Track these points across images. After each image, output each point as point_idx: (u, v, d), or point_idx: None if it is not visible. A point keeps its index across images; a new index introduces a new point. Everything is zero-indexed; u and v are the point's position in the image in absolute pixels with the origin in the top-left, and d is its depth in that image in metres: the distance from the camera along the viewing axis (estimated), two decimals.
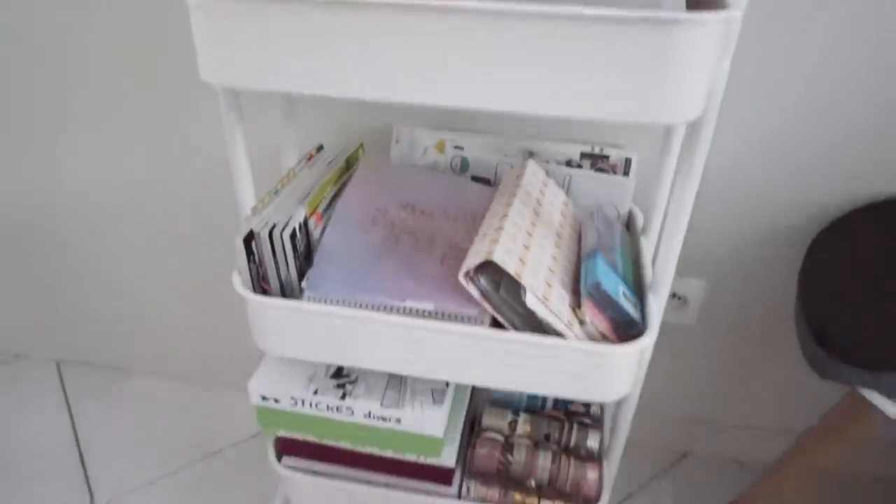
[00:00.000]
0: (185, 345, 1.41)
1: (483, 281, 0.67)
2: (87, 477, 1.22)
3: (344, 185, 0.85)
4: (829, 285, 0.76)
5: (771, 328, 1.07)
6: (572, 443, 0.90)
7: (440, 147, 0.91)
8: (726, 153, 0.93)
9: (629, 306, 0.69)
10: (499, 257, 0.65)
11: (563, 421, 0.93)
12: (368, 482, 0.87)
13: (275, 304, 0.71)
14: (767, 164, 0.93)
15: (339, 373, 0.82)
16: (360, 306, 0.71)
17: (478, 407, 0.96)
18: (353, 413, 0.79)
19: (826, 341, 0.69)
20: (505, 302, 0.68)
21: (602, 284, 0.67)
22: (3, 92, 1.12)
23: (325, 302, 0.72)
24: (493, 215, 0.74)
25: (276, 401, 0.81)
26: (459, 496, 0.88)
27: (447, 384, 0.81)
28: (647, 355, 0.72)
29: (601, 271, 0.69)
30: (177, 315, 1.37)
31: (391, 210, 0.81)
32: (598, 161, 0.87)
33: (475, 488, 0.88)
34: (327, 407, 0.79)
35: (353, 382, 0.81)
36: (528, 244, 0.71)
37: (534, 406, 0.96)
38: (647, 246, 0.81)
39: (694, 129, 0.59)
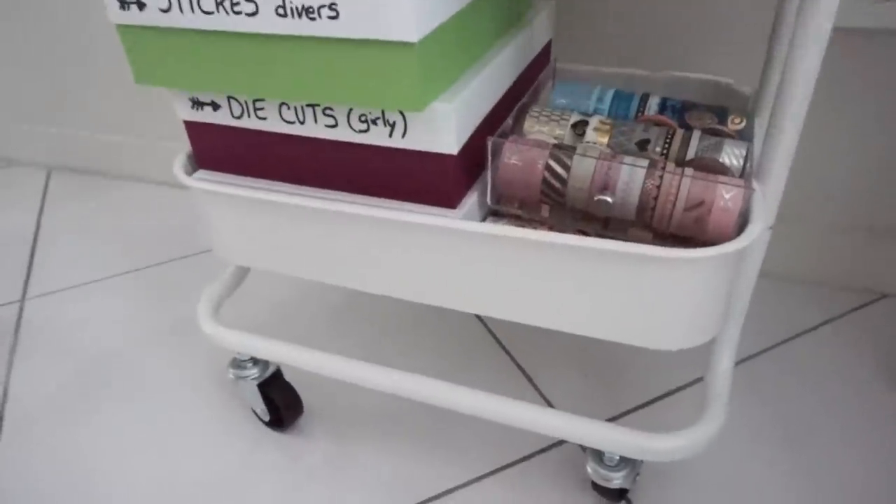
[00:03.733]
0: (176, 147, 1.11)
1: None
2: (29, 271, 0.94)
3: None
4: None
5: None
6: (690, 154, 0.48)
7: None
8: None
9: None
10: None
11: (674, 129, 0.50)
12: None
13: None
14: None
15: None
16: None
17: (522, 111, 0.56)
18: (256, 8, 0.41)
19: None
20: None
21: None
22: None
23: None
24: None
25: (141, 6, 0.45)
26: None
27: None
28: None
29: None
30: (168, 115, 1.07)
31: None
32: None
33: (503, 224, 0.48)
34: (216, 3, 0.42)
35: None
36: None
37: (623, 112, 0.55)
38: None
39: None
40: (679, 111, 0.54)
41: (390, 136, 0.45)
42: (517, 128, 0.52)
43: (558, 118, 0.52)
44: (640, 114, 0.54)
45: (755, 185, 0.45)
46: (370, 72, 0.41)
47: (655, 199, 0.44)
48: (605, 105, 0.56)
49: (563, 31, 0.80)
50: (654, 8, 0.74)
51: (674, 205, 0.43)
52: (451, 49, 0.44)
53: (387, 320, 0.80)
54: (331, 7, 0.39)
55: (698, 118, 0.53)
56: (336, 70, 0.42)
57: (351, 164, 0.49)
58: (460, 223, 0.44)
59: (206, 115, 0.52)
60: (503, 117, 0.54)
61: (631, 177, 0.45)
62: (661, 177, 0.44)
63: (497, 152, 0.47)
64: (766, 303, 0.79)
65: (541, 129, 0.52)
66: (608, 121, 0.51)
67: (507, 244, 0.44)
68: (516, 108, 0.53)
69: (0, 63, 1.15)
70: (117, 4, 0.46)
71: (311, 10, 0.40)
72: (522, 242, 0.43)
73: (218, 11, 0.43)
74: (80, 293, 0.88)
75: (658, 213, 0.44)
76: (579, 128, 0.51)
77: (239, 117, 0.50)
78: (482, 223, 0.45)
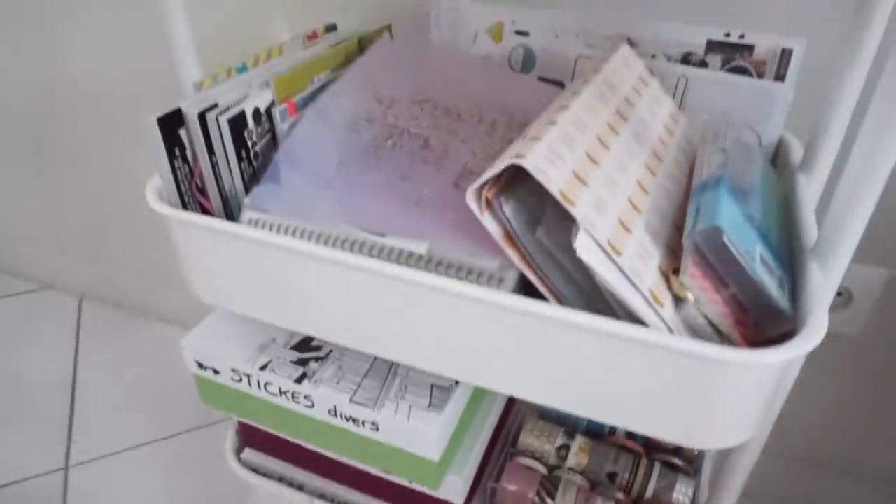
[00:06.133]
0: None
1: (508, 210, 0.39)
2: (70, 433, 1.04)
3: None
4: None
5: None
6: (649, 492, 0.60)
7: (496, 32, 0.62)
8: None
9: (770, 280, 0.38)
10: (534, 162, 0.36)
11: (640, 456, 0.62)
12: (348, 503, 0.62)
13: (179, 219, 0.46)
14: None
15: (305, 344, 0.56)
16: (315, 237, 0.44)
17: (517, 417, 0.68)
18: (312, 405, 0.52)
19: None
20: (543, 250, 0.39)
21: (725, 233, 0.37)
22: None
23: (268, 226, 0.46)
24: (548, 110, 0.45)
25: (216, 372, 0.56)
26: None
27: (455, 380, 0.53)
28: (794, 373, 0.41)
29: (725, 211, 0.38)
30: None
31: (399, 104, 0.53)
32: (735, 54, 0.55)
33: None
34: (279, 391, 0.53)
35: (323, 359, 0.54)
36: (597, 156, 0.41)
37: (598, 429, 0.66)
38: (807, 190, 0.49)
39: None
40: None
41: (409, 483, 0.57)
42: (517, 442, 0.64)
43: (547, 436, 0.64)
44: (615, 431, 0.66)
45: None
46: (398, 460, 0.52)
47: None
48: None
49: None
50: None
51: None
52: (459, 433, 0.55)
53: None
54: (373, 424, 0.50)
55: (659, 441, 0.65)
56: (370, 451, 0.53)
57: (383, 487, 0.60)
58: None
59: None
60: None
61: None
62: None
63: (493, 495, 0.59)
64: None
65: (534, 445, 0.63)
66: (588, 446, 0.63)
67: None
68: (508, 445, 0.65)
69: (39, 194, 1.24)
70: (196, 365, 0.57)
71: (357, 420, 0.51)
72: None
73: (281, 396, 0.54)
74: (121, 461, 0.98)
75: None
76: (563, 451, 0.63)
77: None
78: None
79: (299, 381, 0.52)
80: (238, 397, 0.57)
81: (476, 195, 0.38)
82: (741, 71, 0.55)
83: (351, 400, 0.50)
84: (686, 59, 0.57)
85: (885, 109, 0.33)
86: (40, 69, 1.04)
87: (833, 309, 0.73)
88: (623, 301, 0.37)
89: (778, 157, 0.55)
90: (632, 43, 0.58)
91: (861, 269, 0.69)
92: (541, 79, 0.61)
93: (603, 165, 0.41)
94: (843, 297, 0.72)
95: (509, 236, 0.39)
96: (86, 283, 1.32)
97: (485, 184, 0.38)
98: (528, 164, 0.35)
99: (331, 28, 0.66)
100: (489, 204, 0.38)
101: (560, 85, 0.61)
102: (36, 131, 1.14)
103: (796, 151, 0.53)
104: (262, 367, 0.53)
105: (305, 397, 0.52)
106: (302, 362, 0.54)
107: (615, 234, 0.37)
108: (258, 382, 0.54)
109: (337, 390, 0.51)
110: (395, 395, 0.51)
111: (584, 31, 0.59)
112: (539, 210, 0.39)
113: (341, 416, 0.51)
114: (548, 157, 0.37)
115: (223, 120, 0.47)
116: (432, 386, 0.51)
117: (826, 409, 0.82)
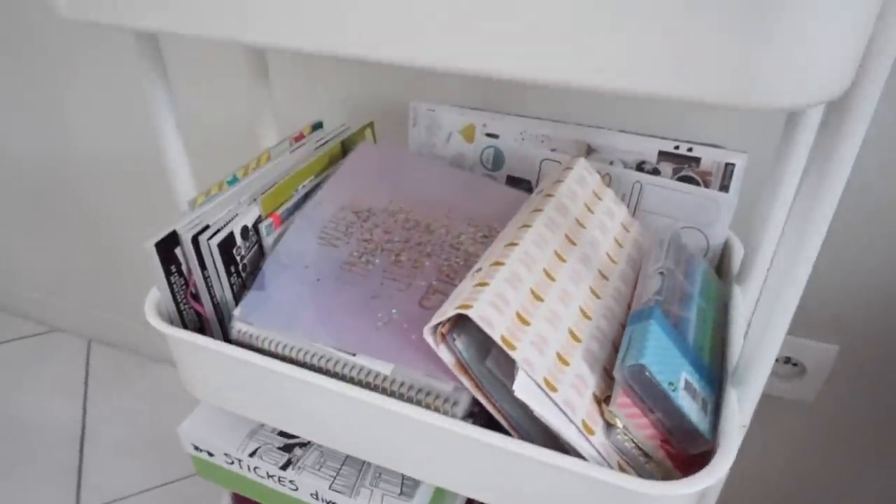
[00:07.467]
0: None
1: (460, 344, 0.44)
2: (79, 478, 1.10)
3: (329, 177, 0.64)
4: None
5: None
6: None
7: (468, 133, 0.68)
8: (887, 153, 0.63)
9: (692, 406, 0.43)
10: (479, 312, 0.41)
11: None
12: None
13: (175, 337, 0.51)
14: None
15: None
16: (291, 354, 0.50)
17: None
18: (296, 489, 0.58)
19: None
20: (493, 377, 0.44)
21: (648, 369, 0.42)
22: (10, 46, 1.01)
23: (254, 339, 0.51)
24: (501, 240, 0.50)
25: (210, 454, 0.62)
26: None
27: None
28: (716, 492, 0.46)
29: (653, 345, 0.44)
30: None
31: (375, 216, 0.59)
32: (684, 165, 0.60)
33: None
34: (267, 474, 0.59)
35: (305, 446, 0.60)
36: (542, 291, 0.46)
37: None
38: (742, 300, 0.54)
39: (835, 116, 0.32)
40: None
41: None
42: None
43: None
44: None
45: None
46: None
47: None
48: None
49: None
50: None
51: None
52: None
53: None
54: None
55: None
56: None
57: None
58: None
59: None
60: None
61: None
62: None
63: None
64: None
65: None
66: None
67: None
68: None
69: (48, 239, 1.30)
70: (192, 447, 0.63)
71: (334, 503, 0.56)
72: None
73: (268, 479, 0.59)
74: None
75: None
76: None
77: None
78: None
79: (285, 467, 0.58)
80: (231, 476, 0.62)
81: (432, 331, 0.44)
82: (689, 180, 0.60)
83: (330, 487, 0.56)
84: (640, 167, 0.62)
85: (802, 223, 0.36)
86: (48, 131, 1.10)
87: (787, 379, 0.78)
88: (556, 432, 0.42)
89: (723, 261, 0.59)
90: (592, 149, 0.63)
91: (812, 344, 0.74)
92: (509, 177, 0.67)
93: (547, 299, 0.46)
94: (798, 368, 0.76)
95: (462, 365, 0.44)
96: (94, 326, 1.39)
97: (439, 323, 0.43)
98: (474, 314, 0.41)
99: (317, 126, 0.72)
100: (444, 338, 0.44)
101: (527, 184, 0.66)
102: (45, 182, 1.20)
103: (737, 257, 0.58)
104: (252, 454, 0.59)
105: (290, 482, 0.58)
106: (287, 448, 0.59)
107: (552, 369, 0.42)
108: (248, 466, 0.59)
109: (318, 477, 0.57)
110: (370, 483, 0.56)
111: (548, 136, 0.65)
112: (489, 341, 0.44)
113: (322, 500, 0.57)
114: (493, 303, 0.42)
115: (214, 244, 0.52)
116: (403, 476, 0.57)
117: (786, 469, 0.87)
